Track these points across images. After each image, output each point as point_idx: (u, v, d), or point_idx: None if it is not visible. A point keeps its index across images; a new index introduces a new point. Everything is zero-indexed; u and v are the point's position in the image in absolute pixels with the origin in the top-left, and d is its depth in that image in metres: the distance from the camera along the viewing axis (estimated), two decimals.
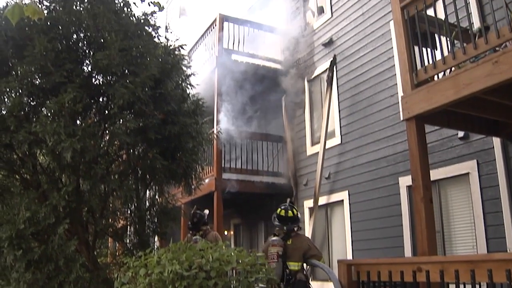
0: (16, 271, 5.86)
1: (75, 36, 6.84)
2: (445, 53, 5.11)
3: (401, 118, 5.70)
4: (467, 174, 7.32)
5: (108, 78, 6.72)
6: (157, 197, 7.91)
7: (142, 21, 7.22)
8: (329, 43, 11.19)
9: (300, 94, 12.13)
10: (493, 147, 6.95)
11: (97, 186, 6.57)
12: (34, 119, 6.41)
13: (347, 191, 9.90)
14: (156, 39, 7.46)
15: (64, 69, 6.25)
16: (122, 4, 7.13)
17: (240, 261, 4.55)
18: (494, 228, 6.78)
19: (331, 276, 5.89)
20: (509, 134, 6.33)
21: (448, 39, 5.27)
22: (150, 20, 7.32)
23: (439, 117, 5.54)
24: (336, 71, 10.74)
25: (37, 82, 6.46)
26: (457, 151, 7.54)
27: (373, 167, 9.25)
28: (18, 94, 6.33)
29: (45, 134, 5.82)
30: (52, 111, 5.96)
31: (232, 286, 4.44)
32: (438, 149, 7.76)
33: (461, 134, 7.41)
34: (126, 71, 6.55)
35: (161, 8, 7.04)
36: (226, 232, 14.27)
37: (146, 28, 7.27)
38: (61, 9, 6.73)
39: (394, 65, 8.95)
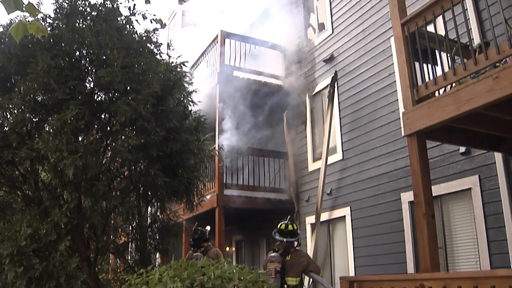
0: None
1: (77, 53, 6.89)
2: (446, 69, 5.13)
3: (402, 134, 5.71)
4: (469, 189, 7.30)
5: (110, 95, 6.75)
6: (158, 213, 7.90)
7: (144, 38, 7.27)
8: (330, 59, 11.24)
9: (301, 110, 12.15)
10: (495, 162, 6.94)
11: (98, 202, 6.58)
12: (37, 135, 6.43)
13: (349, 207, 9.87)
14: (158, 56, 7.51)
15: (66, 86, 6.29)
16: (124, 22, 7.19)
17: (242, 278, 4.53)
18: (497, 243, 6.75)
19: None
20: (510, 149, 6.33)
21: (448, 55, 5.29)
22: (152, 37, 7.37)
23: (440, 133, 5.54)
24: (337, 87, 10.77)
25: (40, 98, 6.50)
26: (458, 167, 7.53)
27: (375, 183, 9.23)
28: (20, 110, 6.36)
29: (47, 150, 5.83)
30: (55, 127, 5.98)
31: None
32: (440, 164, 7.75)
33: (462, 149, 7.40)
34: (128, 88, 6.58)
35: (163, 25, 7.09)
36: (227, 249, 14.20)
37: (148, 45, 7.32)
38: (64, 26, 6.79)
39: (395, 81, 8.98)
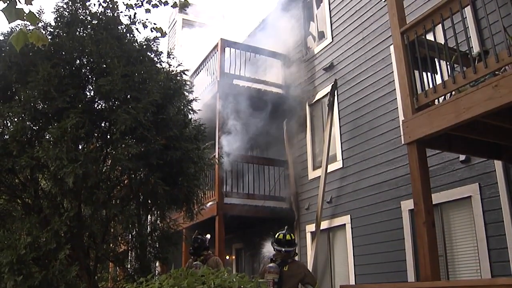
0: None
1: (78, 61, 6.91)
2: (445, 77, 5.14)
3: (402, 142, 5.71)
4: (469, 197, 7.29)
5: (111, 103, 6.76)
6: (158, 222, 7.89)
7: (144, 46, 7.30)
8: (330, 68, 11.26)
9: (301, 119, 12.16)
10: (495, 170, 6.94)
11: (98, 211, 6.58)
12: (37, 144, 6.44)
13: (349, 215, 9.86)
14: (158, 65, 7.53)
15: (67, 95, 6.30)
16: (124, 30, 7.22)
17: (242, 287, 4.52)
18: (498, 251, 6.74)
19: None
20: (510, 157, 6.33)
21: (448, 63, 5.31)
22: (152, 46, 7.40)
23: (440, 141, 5.55)
24: (337, 95, 10.79)
25: (40, 107, 6.52)
26: (458, 175, 7.53)
27: (375, 191, 9.23)
28: (21, 119, 6.38)
29: (48, 159, 5.84)
30: (55, 136, 5.99)
31: None
32: (440, 172, 7.75)
33: (462, 157, 7.40)
34: (129, 96, 6.60)
35: (163, 34, 7.13)
36: (228, 257, 14.17)
37: (149, 53, 7.35)
38: (64, 35, 6.82)
39: (394, 89, 8.99)
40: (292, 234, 6.51)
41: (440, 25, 5.12)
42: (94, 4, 7.22)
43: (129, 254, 8.36)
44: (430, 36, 5.33)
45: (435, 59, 5.57)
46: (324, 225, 10.45)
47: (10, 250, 5.71)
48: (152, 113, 6.67)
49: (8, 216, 6.99)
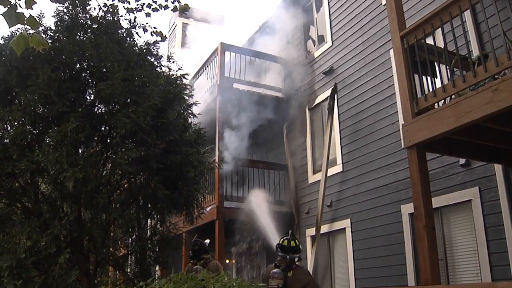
0: None
1: (78, 65, 6.92)
2: (445, 81, 5.15)
3: (402, 146, 5.71)
4: (470, 201, 7.29)
5: (111, 107, 6.77)
6: (158, 226, 7.88)
7: (144, 51, 7.31)
8: (329, 72, 11.27)
9: (301, 122, 12.17)
10: (495, 173, 6.93)
11: (98, 215, 6.58)
12: (37, 148, 6.44)
13: (349, 219, 9.85)
14: (158, 69, 7.54)
15: (67, 99, 6.31)
16: (125, 34, 7.24)
17: None
18: (498, 255, 6.73)
19: None
20: (510, 161, 6.33)
21: (447, 67, 5.31)
22: (152, 50, 7.41)
23: (440, 145, 5.54)
24: (337, 99, 10.79)
25: (40, 111, 6.52)
26: (459, 178, 7.52)
27: (375, 195, 9.22)
28: (21, 123, 6.38)
29: (48, 163, 5.84)
30: (55, 140, 5.99)
31: None
32: (440, 176, 7.74)
33: (462, 161, 7.40)
34: (129, 100, 6.61)
35: (163, 38, 7.13)
36: (228, 261, 14.14)
37: (149, 57, 7.36)
38: (64, 39, 6.83)
39: (394, 93, 9.00)
40: (296, 240, 6.47)
41: (439, 29, 5.13)
42: (94, 8, 7.26)
43: (129, 258, 8.36)
44: (429, 40, 5.33)
45: (435, 63, 5.57)
46: (324, 229, 10.44)
47: (10, 254, 5.71)
48: (152, 117, 6.67)
49: (8, 220, 6.99)
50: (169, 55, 7.99)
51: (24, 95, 6.42)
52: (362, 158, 9.75)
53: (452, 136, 5.22)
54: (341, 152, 10.42)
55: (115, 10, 7.02)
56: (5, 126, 6.59)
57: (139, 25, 7.24)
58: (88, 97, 6.97)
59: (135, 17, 7.26)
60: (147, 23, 7.11)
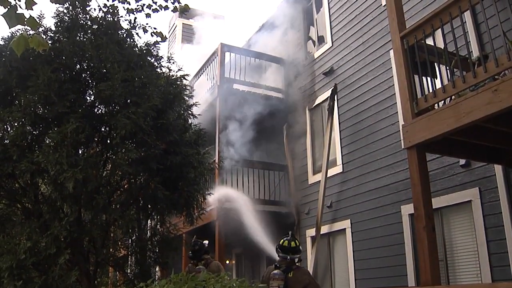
0: None
1: (78, 66, 6.92)
2: (445, 82, 5.15)
3: (402, 147, 5.70)
4: (470, 201, 7.28)
5: (111, 108, 6.77)
6: (158, 226, 7.88)
7: (144, 51, 7.31)
8: (329, 72, 11.27)
9: (301, 123, 12.17)
10: (495, 174, 6.93)
11: (98, 216, 6.57)
12: (37, 148, 6.44)
13: (349, 220, 9.85)
14: (158, 70, 7.54)
15: (67, 99, 6.31)
16: (125, 35, 7.24)
17: None
18: (498, 256, 6.73)
19: None
20: (510, 162, 6.33)
21: (447, 68, 5.31)
22: (152, 50, 7.40)
23: (440, 146, 5.54)
24: (337, 100, 10.79)
25: (40, 111, 6.53)
26: (459, 179, 7.52)
27: (375, 196, 9.22)
28: (21, 123, 6.38)
29: (48, 164, 5.84)
30: (55, 141, 5.99)
31: None
32: (440, 177, 7.74)
33: (462, 162, 7.40)
34: (129, 101, 6.61)
35: (163, 39, 7.13)
36: (228, 262, 14.14)
37: (149, 58, 7.36)
38: (65, 39, 6.84)
39: (394, 93, 9.00)
40: (296, 241, 6.46)
41: (439, 29, 5.13)
42: (95, 9, 7.26)
43: (129, 258, 8.35)
44: (429, 41, 5.33)
45: (435, 64, 5.58)
46: (324, 229, 10.44)
47: (10, 255, 5.71)
48: (152, 118, 6.68)
49: (8, 221, 6.99)
50: (169, 55, 7.99)
51: (24, 96, 6.42)
52: (362, 159, 9.75)
53: (452, 137, 5.22)
54: (341, 153, 10.42)
55: (115, 11, 7.02)
56: (5, 127, 6.59)
57: (139, 25, 7.25)
58: (88, 98, 6.97)
59: (135, 18, 7.25)
60: (147, 24, 7.12)
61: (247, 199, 11.21)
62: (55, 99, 6.23)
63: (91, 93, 6.94)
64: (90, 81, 7.02)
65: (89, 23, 7.16)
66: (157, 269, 8.90)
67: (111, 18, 7.11)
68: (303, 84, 12.37)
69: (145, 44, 7.40)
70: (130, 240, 7.73)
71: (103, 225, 6.89)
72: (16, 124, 6.46)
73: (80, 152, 6.61)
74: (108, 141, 6.82)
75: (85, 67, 6.98)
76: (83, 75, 7.00)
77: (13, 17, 3.27)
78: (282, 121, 12.40)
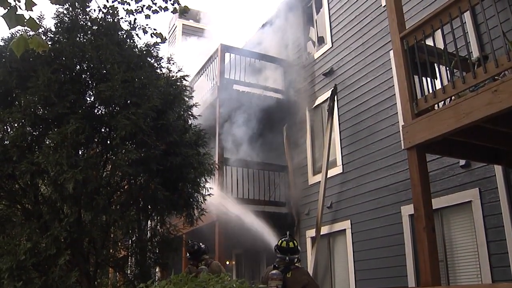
0: None
1: (78, 67, 6.92)
2: (445, 82, 5.15)
3: (402, 147, 5.70)
4: (470, 202, 7.29)
5: (111, 109, 6.77)
6: (158, 227, 7.88)
7: (144, 52, 7.31)
8: (329, 73, 11.27)
9: (301, 124, 12.17)
10: (495, 175, 6.93)
11: (98, 216, 6.57)
12: (37, 149, 6.44)
13: (349, 221, 9.85)
14: (158, 70, 7.54)
15: (67, 100, 6.31)
16: (125, 36, 7.24)
17: None
18: (499, 256, 6.73)
19: None
20: (510, 162, 6.33)
21: (447, 68, 5.31)
22: (152, 51, 7.41)
23: (440, 146, 5.54)
24: (337, 101, 10.79)
25: (40, 112, 6.52)
26: (459, 179, 7.52)
27: (375, 196, 9.22)
28: (21, 124, 6.38)
29: (48, 164, 5.84)
30: (55, 141, 5.99)
31: None
32: (440, 177, 7.74)
33: (462, 162, 7.40)
34: (129, 102, 6.61)
35: (163, 40, 7.13)
36: (228, 262, 14.14)
37: (149, 59, 7.36)
38: (65, 40, 6.83)
39: (394, 94, 9.00)
40: (295, 241, 6.47)
41: (439, 30, 5.13)
42: (94, 10, 7.26)
43: (129, 259, 8.35)
44: (429, 41, 5.33)
45: (435, 64, 5.58)
46: (324, 230, 10.44)
47: (10, 256, 5.71)
48: (152, 119, 6.67)
49: (8, 222, 6.98)
50: (169, 56, 7.99)
51: (24, 97, 6.42)
52: (362, 159, 9.75)
53: (452, 137, 5.22)
54: (341, 153, 10.43)
55: (115, 12, 7.02)
56: (5, 127, 6.59)
57: (139, 26, 7.24)
58: (88, 99, 6.97)
59: (135, 19, 7.26)
60: (147, 25, 7.13)
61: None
62: (55, 100, 6.23)
63: (91, 94, 6.93)
64: (90, 82, 7.01)
65: (89, 24, 7.16)
66: (157, 270, 8.88)
67: (111, 19, 7.11)
68: (303, 85, 12.37)
69: (145, 45, 7.40)
70: (130, 241, 7.73)
71: (103, 226, 6.89)
72: (16, 125, 6.46)
73: (80, 153, 6.61)
74: (108, 142, 6.82)
75: (85, 68, 6.98)
76: (83, 76, 7.00)
77: (13, 18, 3.27)
78: (282, 122, 12.41)
